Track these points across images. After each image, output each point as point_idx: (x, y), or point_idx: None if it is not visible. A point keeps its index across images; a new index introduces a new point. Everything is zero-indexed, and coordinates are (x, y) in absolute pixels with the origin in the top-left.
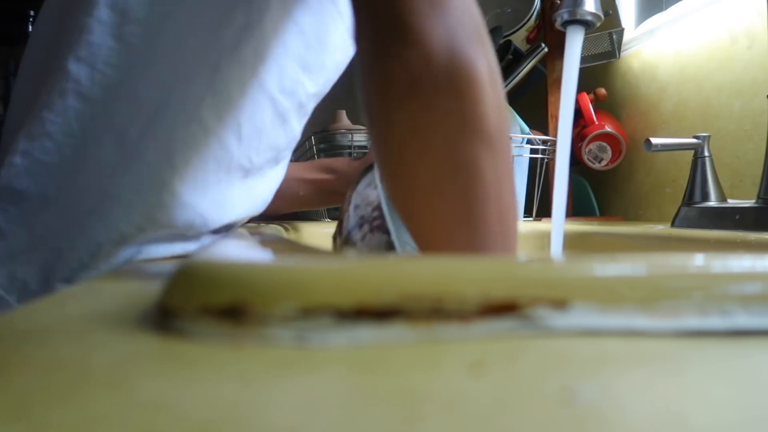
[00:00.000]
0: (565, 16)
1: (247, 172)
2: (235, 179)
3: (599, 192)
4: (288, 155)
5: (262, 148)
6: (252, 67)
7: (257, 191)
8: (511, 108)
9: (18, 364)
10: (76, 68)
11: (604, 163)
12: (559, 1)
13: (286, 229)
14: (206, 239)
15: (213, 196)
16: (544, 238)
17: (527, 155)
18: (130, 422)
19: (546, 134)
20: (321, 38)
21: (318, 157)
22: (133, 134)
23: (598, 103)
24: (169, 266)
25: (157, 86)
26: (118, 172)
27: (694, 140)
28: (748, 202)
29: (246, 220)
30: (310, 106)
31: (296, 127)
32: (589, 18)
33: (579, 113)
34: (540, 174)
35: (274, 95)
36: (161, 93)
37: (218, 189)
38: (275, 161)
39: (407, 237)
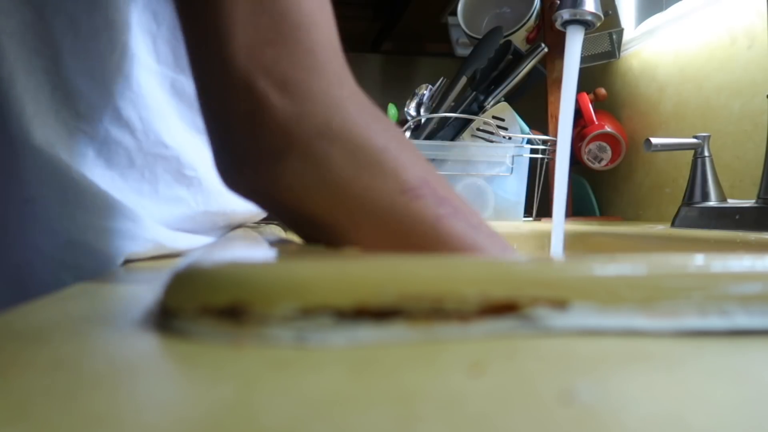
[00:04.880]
0: (565, 16)
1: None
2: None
3: (599, 192)
4: None
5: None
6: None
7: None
8: (511, 108)
9: (18, 364)
10: None
11: (603, 163)
12: (559, 1)
13: (286, 230)
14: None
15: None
16: (544, 238)
17: (527, 155)
18: (130, 422)
19: (546, 134)
20: None
21: None
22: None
23: (597, 103)
24: (170, 266)
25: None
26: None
27: (694, 140)
28: (748, 202)
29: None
30: None
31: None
32: (589, 18)
33: (579, 113)
34: (540, 174)
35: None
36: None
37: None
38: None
39: None
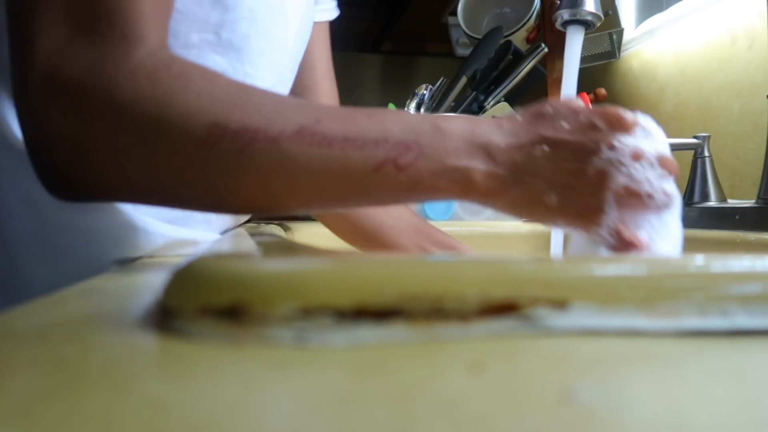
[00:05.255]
0: (565, 16)
1: None
2: None
3: None
4: None
5: None
6: None
7: None
8: (511, 108)
9: (18, 364)
10: None
11: None
12: (559, 1)
13: (286, 229)
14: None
15: None
16: (544, 238)
17: None
18: (130, 422)
19: None
20: None
21: None
22: None
23: (598, 103)
24: (170, 266)
25: None
26: None
27: (694, 140)
28: (748, 202)
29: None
30: None
31: None
32: (589, 18)
33: None
34: None
35: None
36: None
37: None
38: None
39: None
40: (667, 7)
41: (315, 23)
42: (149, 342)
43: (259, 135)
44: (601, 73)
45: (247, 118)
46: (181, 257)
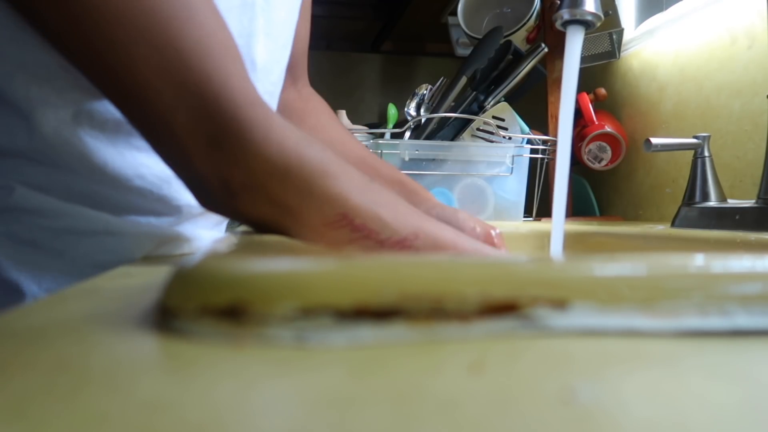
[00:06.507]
0: (565, 16)
1: None
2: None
3: (599, 192)
4: None
5: None
6: None
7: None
8: (511, 108)
9: (18, 364)
10: None
11: (603, 163)
12: (559, 1)
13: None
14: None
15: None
16: (544, 238)
17: (527, 155)
18: (130, 422)
19: (546, 134)
20: None
21: None
22: None
23: (598, 103)
24: (170, 266)
25: None
26: None
27: (694, 140)
28: (748, 202)
29: None
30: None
31: None
32: (589, 18)
33: (579, 113)
34: (540, 174)
35: None
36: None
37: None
38: None
39: None
40: (667, 7)
41: None
42: (149, 342)
43: (372, 235)
44: (601, 73)
45: (370, 220)
46: (180, 257)
